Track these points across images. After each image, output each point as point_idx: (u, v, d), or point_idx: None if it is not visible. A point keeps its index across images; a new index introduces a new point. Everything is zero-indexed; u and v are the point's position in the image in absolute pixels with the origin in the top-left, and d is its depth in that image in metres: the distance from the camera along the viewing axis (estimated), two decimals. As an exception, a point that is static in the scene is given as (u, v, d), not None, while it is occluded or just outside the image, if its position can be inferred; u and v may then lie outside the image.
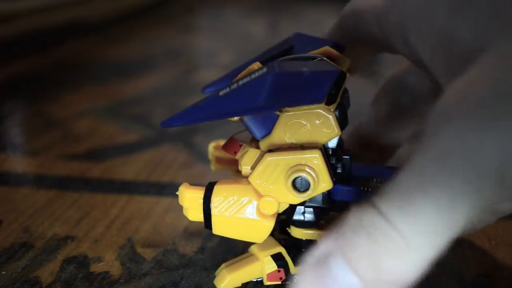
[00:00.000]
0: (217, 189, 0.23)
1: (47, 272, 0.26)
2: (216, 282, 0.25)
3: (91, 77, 0.66)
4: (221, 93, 0.21)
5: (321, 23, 1.12)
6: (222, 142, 0.27)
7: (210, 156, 0.29)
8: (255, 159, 0.23)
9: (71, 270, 0.26)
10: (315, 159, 0.22)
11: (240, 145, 0.24)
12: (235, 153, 0.24)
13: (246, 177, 0.23)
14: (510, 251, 0.28)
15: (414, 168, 0.15)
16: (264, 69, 0.21)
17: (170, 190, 0.35)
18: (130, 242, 0.28)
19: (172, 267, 0.26)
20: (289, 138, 0.23)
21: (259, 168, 0.22)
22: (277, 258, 0.24)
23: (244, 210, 0.23)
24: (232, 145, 0.25)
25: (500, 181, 0.15)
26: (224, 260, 0.27)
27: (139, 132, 0.45)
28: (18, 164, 0.40)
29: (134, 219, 0.31)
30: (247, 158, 0.23)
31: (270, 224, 0.23)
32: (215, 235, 0.23)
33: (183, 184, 0.23)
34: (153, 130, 0.46)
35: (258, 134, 0.23)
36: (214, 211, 0.23)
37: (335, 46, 0.24)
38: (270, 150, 0.23)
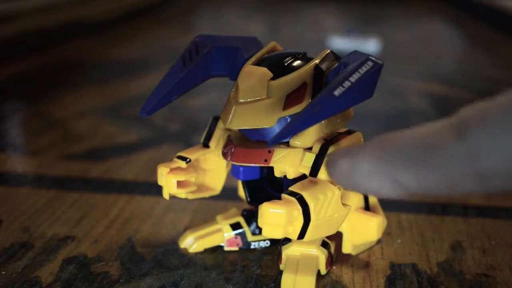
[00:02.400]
0: (308, 196, 0.22)
1: (47, 272, 0.26)
2: (179, 241, 0.28)
3: (91, 77, 0.66)
4: (335, 93, 0.20)
5: (321, 23, 1.12)
6: (173, 164, 0.25)
7: (165, 183, 0.25)
8: (304, 157, 0.23)
9: (71, 270, 0.26)
10: (361, 137, 0.24)
11: (270, 152, 0.23)
12: (266, 161, 0.23)
13: (298, 178, 0.23)
14: (510, 251, 0.28)
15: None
16: (370, 63, 0.21)
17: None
18: (130, 242, 0.28)
19: (172, 267, 0.26)
20: (326, 128, 0.24)
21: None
22: (236, 227, 0.27)
23: (333, 206, 0.22)
24: (253, 155, 0.24)
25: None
26: (225, 259, 0.27)
27: (139, 132, 0.45)
28: (18, 164, 0.40)
29: (134, 219, 0.31)
30: (296, 160, 0.23)
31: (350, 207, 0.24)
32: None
33: (265, 204, 0.22)
34: (153, 130, 0.46)
35: None
36: (313, 217, 0.22)
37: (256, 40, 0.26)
38: (325, 144, 0.23)
